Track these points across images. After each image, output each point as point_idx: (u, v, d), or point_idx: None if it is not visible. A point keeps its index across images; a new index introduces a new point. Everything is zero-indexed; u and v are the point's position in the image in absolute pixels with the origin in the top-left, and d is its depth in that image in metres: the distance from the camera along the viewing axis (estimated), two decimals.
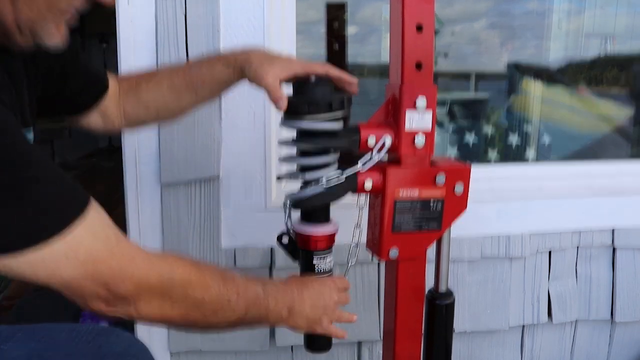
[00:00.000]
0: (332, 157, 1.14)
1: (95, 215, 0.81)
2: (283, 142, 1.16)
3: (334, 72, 1.12)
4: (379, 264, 1.66)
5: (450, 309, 1.29)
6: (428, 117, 1.10)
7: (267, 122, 1.54)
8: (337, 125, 1.10)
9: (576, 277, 1.81)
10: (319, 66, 1.11)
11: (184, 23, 1.46)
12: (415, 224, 1.16)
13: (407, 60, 1.08)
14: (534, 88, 2.36)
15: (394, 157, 1.15)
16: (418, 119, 1.10)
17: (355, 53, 2.39)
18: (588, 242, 1.78)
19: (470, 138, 2.25)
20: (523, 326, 1.82)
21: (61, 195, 0.78)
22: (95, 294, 0.79)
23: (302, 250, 1.19)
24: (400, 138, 1.11)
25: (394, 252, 1.17)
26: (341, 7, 2.25)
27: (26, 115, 0.95)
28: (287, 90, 1.08)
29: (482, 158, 2.28)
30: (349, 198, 1.17)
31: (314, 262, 1.17)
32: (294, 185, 1.20)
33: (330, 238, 1.18)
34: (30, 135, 0.95)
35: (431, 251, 1.22)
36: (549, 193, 1.74)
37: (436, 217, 1.17)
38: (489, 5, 2.59)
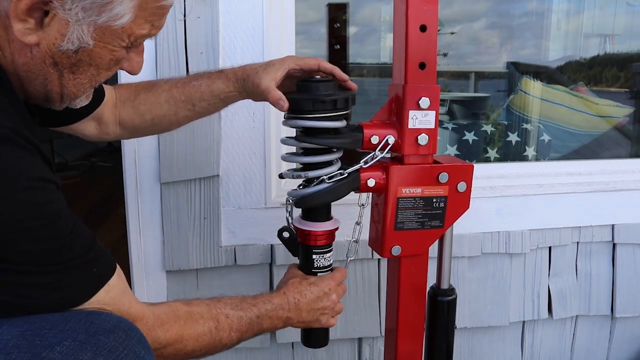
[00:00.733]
0: (335, 156, 1.15)
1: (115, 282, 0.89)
2: (286, 140, 1.17)
3: (326, 65, 1.14)
4: (379, 261, 1.67)
5: (452, 305, 1.30)
6: (431, 116, 1.12)
7: (266, 120, 1.55)
8: (340, 123, 1.12)
9: (576, 273, 1.83)
10: (311, 60, 1.13)
11: (183, 24, 1.46)
12: (418, 222, 1.17)
13: (411, 60, 1.09)
14: (533, 87, 2.37)
15: (397, 156, 1.17)
16: (421, 118, 1.11)
17: (355, 53, 2.40)
18: (588, 238, 1.80)
19: (469, 137, 2.26)
20: (523, 322, 1.83)
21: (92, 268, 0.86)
22: None
23: (302, 245, 1.20)
24: (403, 137, 1.12)
25: (396, 250, 1.18)
26: (342, 7, 2.26)
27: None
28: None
29: (482, 157, 2.29)
30: (350, 196, 1.19)
31: (314, 257, 1.19)
32: (294, 184, 1.22)
33: (331, 234, 1.20)
34: None
35: (432, 248, 1.24)
36: (549, 189, 1.75)
37: (439, 215, 1.18)
38: (488, 5, 2.61)
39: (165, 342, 0.95)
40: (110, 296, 0.87)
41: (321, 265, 1.20)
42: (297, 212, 1.22)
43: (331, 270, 1.22)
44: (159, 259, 1.58)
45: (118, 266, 0.91)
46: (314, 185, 1.13)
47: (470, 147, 2.26)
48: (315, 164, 1.13)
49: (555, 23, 2.58)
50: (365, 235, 1.26)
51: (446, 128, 2.31)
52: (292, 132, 1.21)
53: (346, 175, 1.13)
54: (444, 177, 1.15)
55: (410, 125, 1.11)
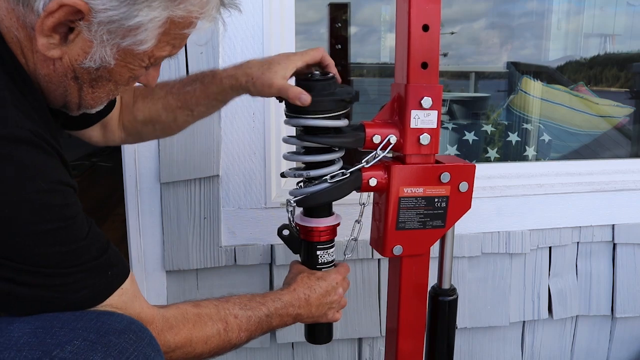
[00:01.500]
0: (337, 155, 1.15)
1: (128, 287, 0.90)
2: (288, 139, 1.16)
3: (328, 58, 1.14)
4: (379, 261, 1.67)
5: (453, 305, 1.30)
6: (433, 116, 1.11)
7: (266, 120, 1.54)
8: (342, 122, 1.11)
9: (576, 273, 1.83)
10: (315, 52, 1.13)
11: None
12: (420, 221, 1.17)
13: (413, 59, 1.09)
14: (533, 87, 2.38)
15: (399, 156, 1.16)
16: (423, 117, 1.11)
17: (355, 53, 2.40)
18: (588, 238, 1.80)
19: (470, 137, 2.26)
20: (523, 322, 1.83)
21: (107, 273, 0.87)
22: None
23: (306, 242, 1.20)
24: (405, 137, 1.12)
25: (397, 250, 1.18)
26: (343, 7, 2.26)
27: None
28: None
29: (482, 157, 2.29)
30: (351, 195, 1.18)
31: (318, 253, 1.19)
32: (294, 184, 1.21)
33: (334, 230, 1.20)
34: None
35: (433, 248, 1.23)
36: (549, 189, 1.75)
37: (440, 215, 1.18)
38: (488, 6, 2.61)
39: (174, 345, 0.96)
40: (122, 300, 0.87)
41: (325, 261, 1.20)
42: (297, 210, 1.22)
43: (334, 265, 1.23)
44: (158, 259, 1.58)
45: (132, 271, 0.91)
46: (316, 185, 1.13)
47: (471, 147, 2.27)
48: (317, 163, 1.13)
49: (555, 23, 2.58)
50: (364, 233, 1.26)
51: (446, 128, 2.31)
52: (293, 132, 1.20)
53: (348, 174, 1.12)
54: (445, 177, 1.15)
55: (412, 125, 1.11)
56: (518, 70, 2.56)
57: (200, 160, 1.53)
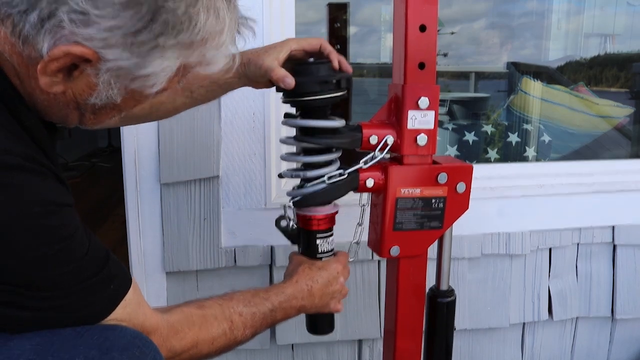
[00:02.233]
0: (334, 155, 1.15)
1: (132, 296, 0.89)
2: (286, 140, 1.16)
3: (327, 46, 1.13)
4: (379, 262, 1.67)
5: (451, 306, 1.30)
6: (430, 116, 1.11)
7: (266, 121, 1.54)
8: (339, 123, 1.11)
9: (576, 274, 1.82)
10: (314, 40, 1.12)
11: None
12: (417, 222, 1.17)
13: (410, 60, 1.09)
14: (533, 87, 2.37)
15: (396, 156, 1.16)
16: (420, 118, 1.11)
17: (355, 53, 2.40)
18: (588, 239, 1.79)
19: (470, 137, 2.26)
20: (523, 323, 1.82)
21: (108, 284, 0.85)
22: None
23: (305, 231, 1.19)
24: (403, 137, 1.12)
25: (395, 250, 1.18)
26: (342, 7, 2.26)
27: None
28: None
29: (482, 157, 2.29)
30: (352, 197, 1.18)
31: (318, 242, 1.18)
32: (294, 184, 1.21)
33: (332, 217, 1.19)
34: None
35: (431, 249, 1.23)
36: (549, 190, 1.75)
37: (438, 215, 1.18)
38: (488, 6, 2.61)
39: (180, 350, 0.95)
40: (126, 312, 0.86)
41: (325, 250, 1.19)
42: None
43: (334, 254, 1.22)
44: (158, 260, 1.58)
45: (134, 278, 0.90)
46: (313, 185, 1.12)
47: (471, 147, 2.26)
48: (314, 163, 1.13)
49: (555, 23, 2.58)
50: (365, 235, 1.26)
51: (446, 128, 2.31)
52: (293, 133, 1.20)
53: (345, 175, 1.12)
54: (443, 177, 1.14)
55: (410, 126, 1.11)
56: (518, 70, 2.56)
57: (200, 160, 1.53)
